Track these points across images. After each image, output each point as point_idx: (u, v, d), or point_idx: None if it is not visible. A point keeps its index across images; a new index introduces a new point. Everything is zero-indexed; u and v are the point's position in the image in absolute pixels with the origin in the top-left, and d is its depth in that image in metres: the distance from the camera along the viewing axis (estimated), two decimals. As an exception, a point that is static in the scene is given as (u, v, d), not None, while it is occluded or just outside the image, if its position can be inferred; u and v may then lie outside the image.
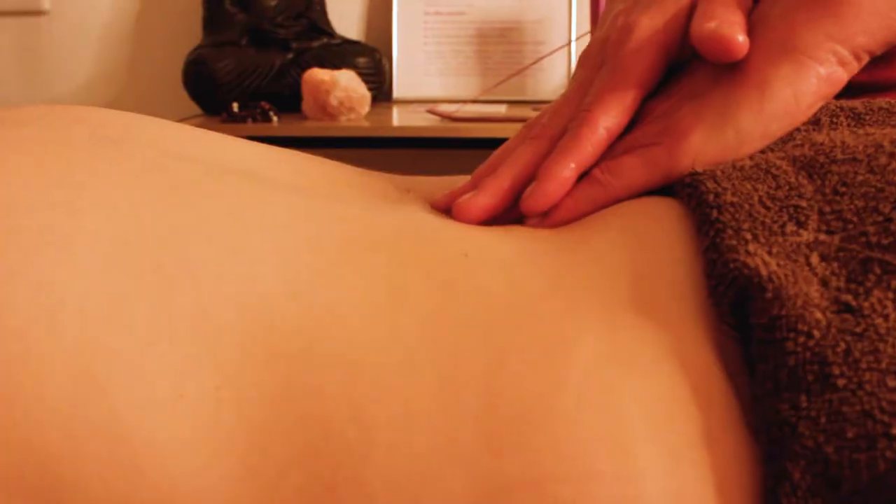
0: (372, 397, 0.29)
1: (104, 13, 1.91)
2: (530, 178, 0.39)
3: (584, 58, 0.42)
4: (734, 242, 0.31)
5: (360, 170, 0.48)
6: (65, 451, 0.27)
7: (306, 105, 1.52)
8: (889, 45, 0.36)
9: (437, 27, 1.79)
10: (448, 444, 0.28)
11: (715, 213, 0.32)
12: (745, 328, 0.30)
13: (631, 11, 0.40)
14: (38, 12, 1.92)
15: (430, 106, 1.57)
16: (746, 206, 0.32)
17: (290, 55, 1.64)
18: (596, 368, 0.29)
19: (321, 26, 1.72)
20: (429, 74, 1.79)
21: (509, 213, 0.40)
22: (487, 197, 0.39)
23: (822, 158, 0.34)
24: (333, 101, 1.48)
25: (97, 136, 0.39)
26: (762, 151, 0.37)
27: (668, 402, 0.29)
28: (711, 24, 0.36)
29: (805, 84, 0.36)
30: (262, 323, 0.30)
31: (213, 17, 1.67)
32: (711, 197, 0.33)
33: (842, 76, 0.36)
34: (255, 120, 1.49)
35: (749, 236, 0.31)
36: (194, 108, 1.70)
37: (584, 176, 0.39)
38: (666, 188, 0.37)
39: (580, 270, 0.34)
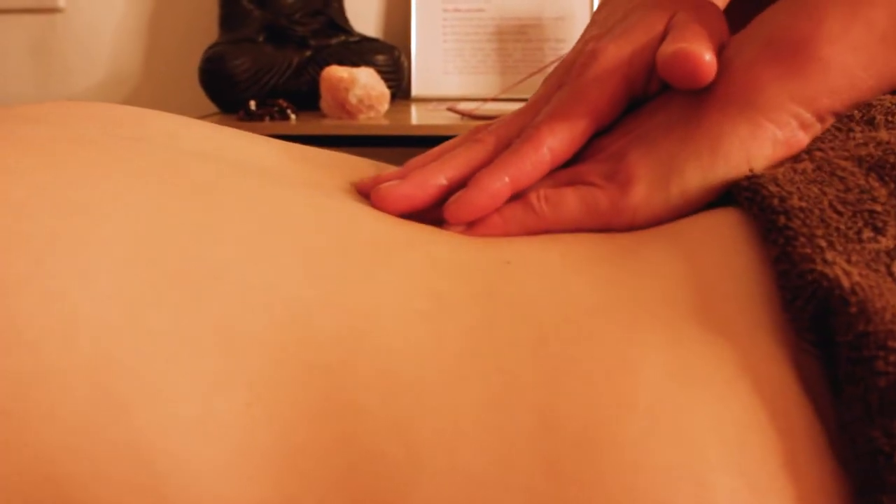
0: (417, 414, 0.27)
1: (119, 11, 1.90)
2: (461, 181, 0.37)
3: (548, 77, 0.40)
4: (808, 251, 0.28)
5: (378, 164, 0.46)
6: (82, 475, 0.25)
7: (325, 103, 1.50)
8: (857, 104, 0.34)
9: (456, 24, 1.77)
10: (502, 466, 0.26)
11: (783, 220, 0.30)
12: (826, 345, 0.28)
13: (601, 38, 0.38)
14: (54, 10, 1.91)
15: (450, 104, 1.55)
16: (817, 212, 0.30)
17: (308, 52, 1.62)
18: (665, 390, 0.27)
19: (339, 23, 1.70)
20: (447, 72, 1.77)
21: (430, 213, 0.37)
22: (411, 188, 0.36)
23: (892, 159, 0.32)
24: (352, 99, 1.46)
25: (112, 134, 0.37)
26: (818, 149, 0.34)
27: (745, 427, 0.26)
28: (679, 45, 0.34)
29: (760, 149, 0.33)
30: (294, 332, 0.28)
31: (230, 14, 1.65)
32: (776, 202, 0.30)
33: (802, 140, 0.34)
34: (272, 118, 1.47)
35: (824, 243, 0.28)
36: (211, 107, 1.68)
37: (519, 196, 0.36)
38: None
39: (634, 282, 0.31)
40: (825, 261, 0.28)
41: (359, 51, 1.64)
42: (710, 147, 0.33)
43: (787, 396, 0.27)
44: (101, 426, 0.25)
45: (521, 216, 0.35)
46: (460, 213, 0.35)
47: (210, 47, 1.62)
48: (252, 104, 1.50)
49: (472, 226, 0.35)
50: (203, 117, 1.56)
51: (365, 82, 1.47)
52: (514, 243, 0.34)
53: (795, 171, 0.32)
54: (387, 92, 1.52)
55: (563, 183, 0.36)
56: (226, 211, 0.32)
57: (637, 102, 0.39)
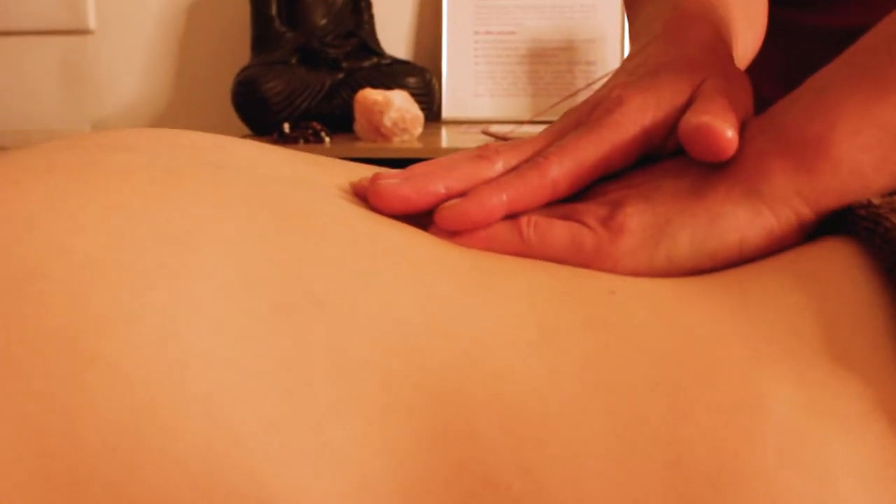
0: (538, 443, 0.26)
1: (149, 33, 1.90)
2: (459, 194, 0.36)
3: (569, 113, 0.40)
4: None
5: None
6: None
7: (359, 125, 1.49)
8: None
9: (486, 47, 1.77)
10: (631, 500, 0.25)
11: None
12: None
13: (628, 86, 0.38)
14: (84, 32, 1.92)
15: (482, 126, 1.55)
16: None
17: (341, 75, 1.62)
18: (796, 422, 0.26)
19: (371, 46, 1.70)
20: (478, 95, 1.76)
21: (423, 218, 0.37)
22: (410, 190, 0.36)
23: None
24: (387, 122, 1.45)
25: (199, 162, 0.37)
26: None
27: (882, 462, 0.26)
28: (704, 118, 0.34)
29: (756, 236, 0.33)
30: (404, 358, 0.27)
31: (263, 36, 1.65)
32: None
33: (797, 238, 0.33)
34: (306, 141, 1.46)
35: None
36: (242, 129, 1.69)
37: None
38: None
39: (751, 314, 0.31)
40: None
41: (390, 73, 1.64)
42: (708, 222, 0.33)
43: None
44: (216, 461, 0.24)
45: (507, 237, 0.35)
46: (452, 221, 0.34)
47: (243, 70, 1.62)
48: (286, 127, 1.50)
49: (456, 235, 0.35)
50: (236, 139, 1.56)
51: (399, 105, 1.47)
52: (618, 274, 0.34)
53: None
54: (420, 115, 1.51)
55: (557, 215, 0.36)
56: (322, 236, 0.31)
57: (649, 158, 0.38)
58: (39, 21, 1.92)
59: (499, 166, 0.37)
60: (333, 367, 0.26)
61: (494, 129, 1.51)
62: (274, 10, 1.65)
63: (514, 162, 0.37)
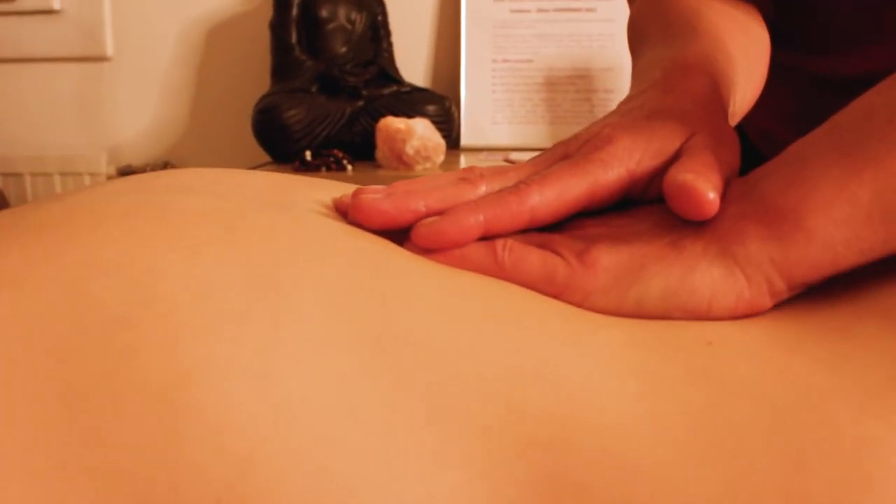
0: (648, 496, 0.25)
1: (166, 60, 1.91)
2: (440, 212, 0.37)
3: (557, 145, 0.40)
4: None
5: None
6: None
7: (381, 153, 1.49)
8: (832, 275, 0.34)
9: (505, 75, 1.77)
10: None
11: None
12: None
13: (619, 126, 0.38)
14: (101, 58, 1.92)
15: (504, 154, 1.55)
16: None
17: (361, 103, 1.62)
18: None
19: (390, 73, 1.70)
20: (497, 122, 1.77)
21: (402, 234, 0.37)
22: (390, 206, 0.36)
23: None
24: (410, 150, 1.45)
25: (265, 204, 0.37)
26: None
27: None
28: (688, 176, 0.34)
29: (725, 297, 0.33)
30: (504, 405, 0.27)
31: (283, 64, 1.65)
32: None
33: (766, 304, 0.33)
34: (328, 168, 1.46)
35: None
36: (261, 156, 1.68)
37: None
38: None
39: (862, 361, 0.30)
40: None
41: (410, 101, 1.64)
42: (682, 275, 0.33)
43: None
44: None
45: (481, 257, 0.35)
46: (428, 239, 0.34)
47: (263, 97, 1.62)
48: (307, 154, 1.49)
49: (430, 252, 0.35)
50: (256, 167, 1.56)
51: (422, 133, 1.47)
52: (713, 324, 0.33)
53: None
54: (442, 143, 1.51)
55: (533, 243, 0.36)
56: (411, 277, 0.31)
57: (630, 202, 0.39)
58: (57, 48, 1.92)
59: (481, 190, 0.37)
60: (434, 412, 0.26)
61: (515, 156, 1.51)
62: (294, 38, 1.66)
63: (496, 187, 0.37)
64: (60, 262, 0.29)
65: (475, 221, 0.35)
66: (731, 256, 0.33)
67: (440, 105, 1.66)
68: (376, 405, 0.26)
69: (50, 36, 1.92)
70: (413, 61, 1.81)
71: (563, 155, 0.39)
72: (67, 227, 0.32)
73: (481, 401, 0.26)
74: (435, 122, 1.58)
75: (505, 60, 1.77)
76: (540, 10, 1.77)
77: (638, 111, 0.40)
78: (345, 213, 0.37)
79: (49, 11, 1.90)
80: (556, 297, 0.34)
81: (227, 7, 1.86)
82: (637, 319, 0.33)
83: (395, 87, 1.67)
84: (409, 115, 1.55)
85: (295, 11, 1.66)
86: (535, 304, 0.32)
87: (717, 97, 0.42)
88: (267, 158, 1.67)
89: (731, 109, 0.47)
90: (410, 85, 1.71)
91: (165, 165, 1.88)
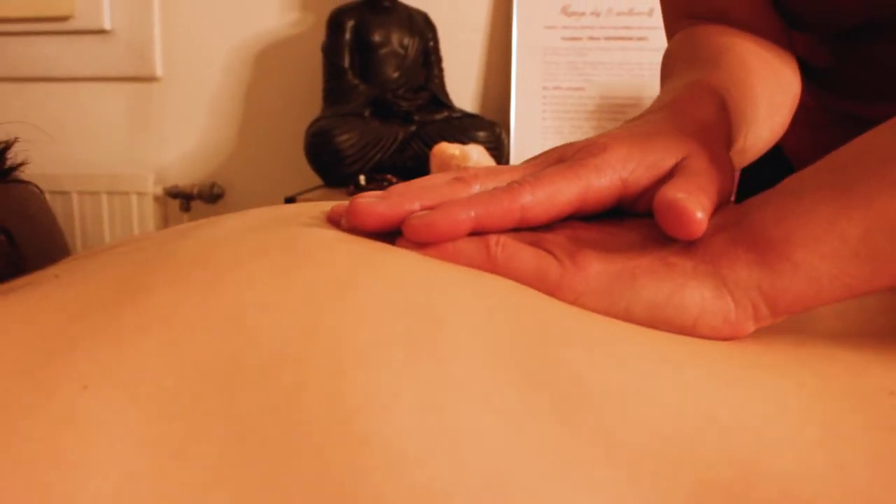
0: None
1: (215, 81, 1.92)
2: None
3: (554, 150, 0.41)
4: None
5: None
6: None
7: (434, 179, 1.49)
8: (816, 306, 0.34)
9: (555, 102, 1.77)
10: None
11: None
12: None
13: (615, 137, 0.39)
14: (151, 79, 1.94)
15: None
16: None
17: (413, 128, 1.62)
18: None
19: (441, 99, 1.70)
20: (546, 149, 1.76)
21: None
22: (385, 207, 0.36)
23: None
24: (465, 177, 1.45)
25: (357, 240, 0.37)
26: None
27: None
28: (679, 194, 0.34)
29: (713, 317, 0.33)
30: (681, 448, 0.26)
31: (336, 88, 1.66)
32: None
33: (749, 329, 0.34)
34: (383, 193, 1.46)
35: None
36: (308, 178, 1.69)
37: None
38: None
39: None
40: None
41: (461, 126, 1.64)
42: (671, 290, 0.34)
43: None
44: None
45: (474, 252, 0.35)
46: (419, 232, 0.35)
47: (315, 121, 1.63)
48: (362, 179, 1.49)
49: (422, 246, 0.35)
50: (310, 190, 1.56)
51: (476, 159, 1.46)
52: (890, 370, 0.33)
53: None
54: (496, 169, 1.51)
55: (526, 241, 0.36)
56: (563, 314, 0.31)
57: (621, 212, 0.39)
58: (107, 68, 1.94)
59: (475, 189, 0.38)
60: (608, 452, 0.25)
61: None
62: (347, 63, 1.66)
63: (490, 187, 0.38)
64: (210, 300, 0.29)
65: (466, 216, 0.35)
66: (720, 279, 0.34)
67: (490, 131, 1.66)
68: (547, 442, 0.25)
69: (101, 56, 1.94)
70: (463, 87, 1.81)
71: (558, 158, 0.39)
72: (210, 265, 0.32)
73: (655, 442, 0.26)
74: (486, 148, 1.57)
75: (556, 88, 1.77)
76: (591, 39, 1.77)
77: (639, 128, 0.41)
78: (337, 221, 0.38)
79: (100, 32, 1.92)
80: (548, 294, 0.34)
81: (276, 29, 1.87)
82: (806, 365, 0.33)
83: (446, 113, 1.67)
84: (460, 141, 1.55)
85: (348, 36, 1.67)
86: (695, 346, 0.32)
87: (720, 126, 0.43)
88: (316, 182, 1.67)
89: (739, 144, 0.48)
90: (461, 111, 1.71)
91: (212, 186, 1.88)
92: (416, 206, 0.36)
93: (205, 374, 0.26)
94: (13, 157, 0.64)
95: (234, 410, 0.25)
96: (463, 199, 0.36)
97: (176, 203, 1.92)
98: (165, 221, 1.96)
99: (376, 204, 0.36)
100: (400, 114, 1.63)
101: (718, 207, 0.37)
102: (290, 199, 1.48)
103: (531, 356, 0.28)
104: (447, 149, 1.48)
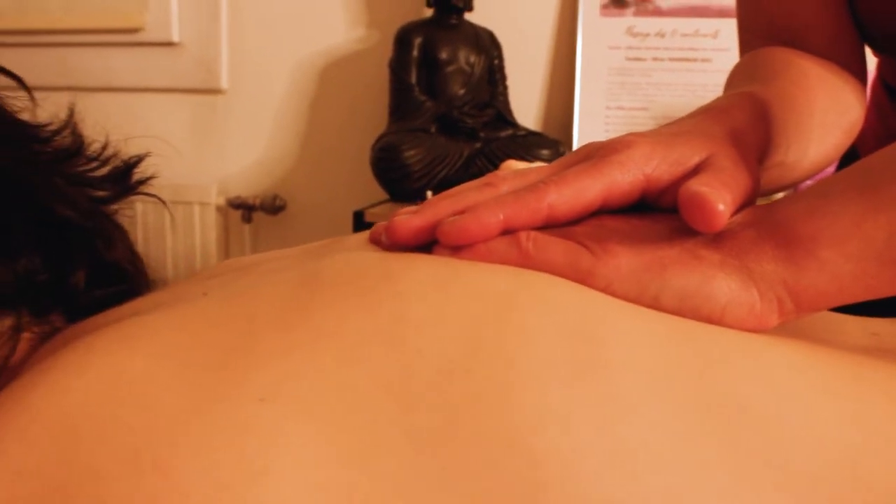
0: None
1: (280, 95, 1.94)
2: None
3: (579, 149, 0.42)
4: None
5: None
6: None
7: (501, 196, 1.50)
8: (838, 305, 0.35)
9: (618, 122, 1.77)
10: None
11: None
12: None
13: (641, 135, 0.40)
14: (216, 91, 1.97)
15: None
16: None
17: (479, 144, 1.63)
18: None
19: (506, 116, 1.71)
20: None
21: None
22: (420, 220, 0.38)
23: None
24: (532, 194, 1.45)
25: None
26: None
27: None
28: (702, 188, 0.35)
29: (739, 308, 0.34)
30: (851, 474, 0.27)
31: (402, 104, 1.67)
32: None
33: (774, 321, 0.35)
34: (450, 209, 1.46)
35: None
36: (371, 192, 1.70)
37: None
38: None
39: None
40: None
41: (525, 144, 1.65)
42: (700, 281, 0.34)
43: None
44: None
45: (506, 249, 0.36)
46: (451, 236, 0.36)
47: (382, 136, 1.64)
48: (429, 194, 1.50)
49: (457, 250, 0.36)
50: (376, 205, 1.58)
51: (544, 178, 1.47)
52: None
53: None
54: (562, 188, 1.51)
55: (556, 235, 0.37)
56: (711, 333, 0.32)
57: (646, 206, 0.40)
58: (174, 79, 1.97)
59: (503, 191, 0.39)
60: (782, 479, 0.26)
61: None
62: (414, 79, 1.68)
63: (517, 188, 0.39)
64: (374, 317, 0.30)
65: (496, 218, 0.36)
66: (746, 272, 0.35)
67: (554, 149, 1.66)
68: (717, 464, 0.26)
69: (168, 68, 1.97)
70: (526, 105, 1.82)
71: (584, 157, 0.40)
72: (364, 283, 0.33)
73: (827, 470, 0.26)
74: (550, 167, 1.58)
75: (619, 107, 1.77)
76: (655, 59, 1.77)
77: (667, 129, 0.42)
78: (379, 241, 0.39)
79: (169, 44, 1.96)
80: (580, 282, 0.35)
81: (342, 45, 1.89)
82: None
83: (511, 131, 1.68)
84: (524, 159, 1.55)
85: (415, 52, 1.68)
86: (853, 375, 0.32)
87: (751, 133, 0.44)
88: (379, 196, 1.68)
89: (779, 157, 0.49)
90: (525, 128, 1.72)
91: (274, 198, 1.91)
92: (449, 213, 0.37)
93: (378, 386, 0.27)
94: (141, 171, 0.65)
95: (409, 423, 0.26)
96: (491, 202, 0.37)
97: (237, 214, 1.94)
98: (226, 232, 1.98)
99: (411, 218, 0.38)
100: (466, 130, 1.64)
101: (742, 207, 0.38)
102: (358, 213, 1.50)
103: (693, 378, 0.28)
104: (513, 166, 1.48)
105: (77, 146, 0.57)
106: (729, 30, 1.73)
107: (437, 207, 0.38)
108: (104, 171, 0.60)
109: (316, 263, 0.36)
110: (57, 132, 0.59)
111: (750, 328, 0.34)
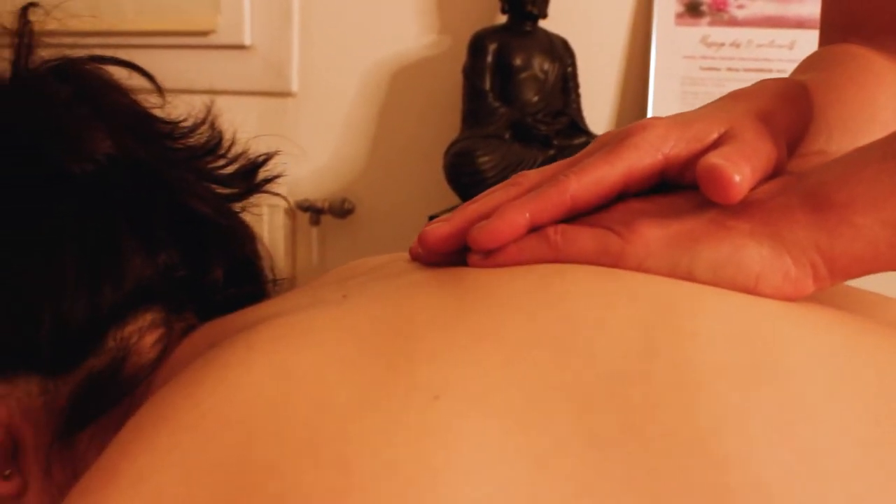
0: None
1: (350, 99, 1.95)
2: None
3: (598, 138, 0.43)
4: None
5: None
6: None
7: (577, 204, 1.49)
8: (872, 272, 0.35)
9: (691, 132, 1.76)
10: None
11: None
12: None
13: (658, 118, 0.40)
14: (286, 94, 1.98)
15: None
16: None
17: (552, 152, 1.63)
18: None
19: (579, 124, 1.71)
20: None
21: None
22: (450, 227, 0.39)
23: None
24: (610, 203, 1.45)
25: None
26: None
27: None
28: (718, 160, 0.35)
29: (772, 275, 0.34)
30: None
31: (476, 110, 1.67)
32: None
33: (809, 287, 0.35)
34: (526, 216, 1.46)
35: None
36: (442, 197, 1.71)
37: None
38: None
39: None
40: None
41: (598, 153, 1.64)
42: (731, 251, 0.35)
43: None
44: None
45: (536, 246, 0.37)
46: (481, 240, 0.37)
47: (456, 141, 1.64)
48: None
49: (489, 255, 0.37)
50: (446, 210, 1.58)
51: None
52: None
53: None
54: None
55: (582, 223, 0.38)
56: (873, 351, 0.32)
57: (671, 184, 0.40)
58: (245, 82, 1.99)
59: (528, 189, 0.39)
60: None
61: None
62: (488, 86, 1.68)
63: (541, 183, 0.39)
64: (533, 321, 0.30)
65: (522, 217, 0.37)
66: (778, 239, 0.35)
67: (627, 158, 1.66)
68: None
69: (239, 70, 1.99)
70: (599, 113, 1.81)
71: (602, 145, 0.40)
72: (511, 289, 0.33)
73: None
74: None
75: (692, 117, 1.76)
76: (730, 70, 1.75)
77: (689, 112, 0.42)
78: (417, 257, 0.40)
79: (240, 47, 1.98)
80: (612, 266, 0.35)
81: (413, 50, 1.90)
82: None
83: (584, 138, 1.68)
84: (599, 167, 1.54)
85: (490, 59, 1.68)
86: None
87: (778, 115, 0.43)
88: (450, 201, 1.68)
89: (819, 145, 0.48)
90: (597, 136, 1.71)
91: (343, 202, 1.92)
92: (477, 216, 0.39)
93: (550, 387, 0.27)
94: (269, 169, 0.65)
95: (588, 423, 0.26)
96: (515, 202, 0.38)
97: (306, 217, 1.95)
98: (294, 234, 2.00)
99: (441, 227, 0.39)
100: (539, 137, 1.63)
101: (769, 178, 0.38)
102: (433, 217, 1.50)
103: (872, 387, 0.28)
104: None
105: (213, 144, 0.58)
106: (804, 41, 1.71)
107: (465, 212, 0.40)
108: (232, 168, 0.61)
109: (447, 270, 0.37)
110: (192, 129, 0.59)
111: (786, 295, 0.34)
